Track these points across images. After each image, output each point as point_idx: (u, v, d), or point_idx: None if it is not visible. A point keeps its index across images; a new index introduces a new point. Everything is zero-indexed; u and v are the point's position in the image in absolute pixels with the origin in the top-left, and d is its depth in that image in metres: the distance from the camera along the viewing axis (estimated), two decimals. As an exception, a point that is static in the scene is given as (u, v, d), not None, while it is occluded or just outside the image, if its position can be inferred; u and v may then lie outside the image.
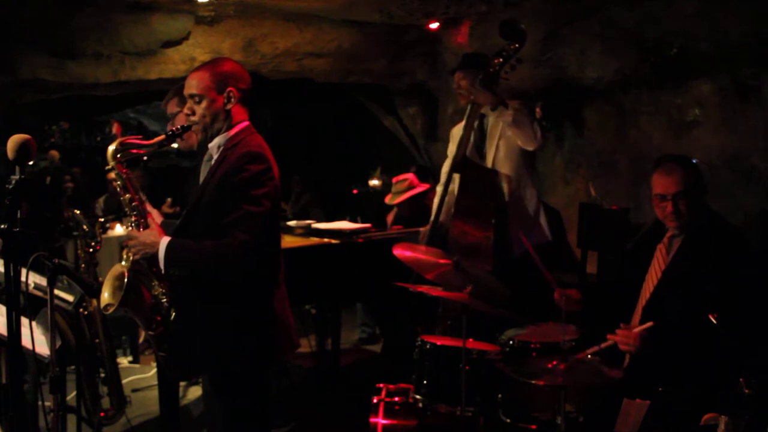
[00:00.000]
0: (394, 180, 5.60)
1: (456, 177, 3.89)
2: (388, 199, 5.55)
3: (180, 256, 2.41)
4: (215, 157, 2.52)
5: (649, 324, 2.59)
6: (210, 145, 2.54)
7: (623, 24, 4.88)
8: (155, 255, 2.42)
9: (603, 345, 2.67)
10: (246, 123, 2.53)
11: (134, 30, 5.73)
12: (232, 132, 2.49)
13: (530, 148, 3.76)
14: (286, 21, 6.12)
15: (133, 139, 2.59)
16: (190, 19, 5.86)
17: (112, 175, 2.56)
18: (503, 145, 3.81)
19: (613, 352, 2.78)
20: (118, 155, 2.51)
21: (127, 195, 2.55)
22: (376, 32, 6.32)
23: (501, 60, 3.68)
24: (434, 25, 6.02)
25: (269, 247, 2.48)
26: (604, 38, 5.10)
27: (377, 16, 5.75)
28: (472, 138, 3.91)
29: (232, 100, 2.48)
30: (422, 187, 5.42)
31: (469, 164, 3.83)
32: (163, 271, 2.45)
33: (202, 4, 5.50)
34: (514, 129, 3.69)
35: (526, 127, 3.65)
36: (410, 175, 5.57)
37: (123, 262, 2.57)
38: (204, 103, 2.46)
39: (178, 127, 2.53)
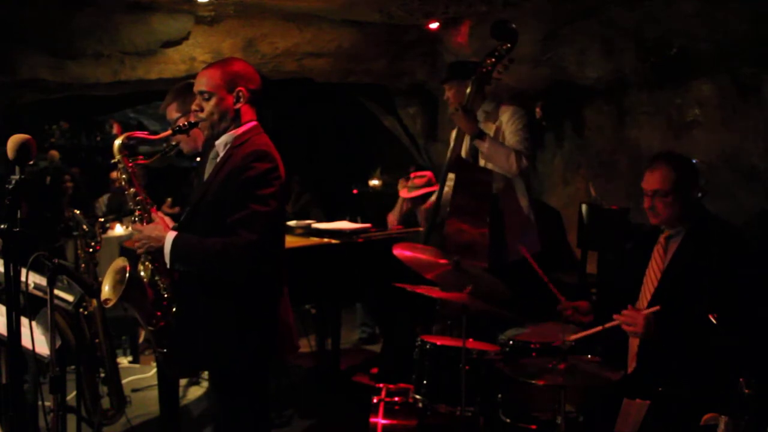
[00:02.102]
0: (412, 175, 5.59)
1: (451, 176, 3.90)
2: (404, 193, 5.53)
3: (186, 252, 2.41)
4: (221, 155, 2.52)
5: (656, 308, 2.59)
6: (217, 143, 2.54)
7: (623, 24, 4.88)
8: (159, 249, 2.43)
9: (607, 325, 2.66)
10: (254, 123, 2.53)
11: (134, 30, 5.73)
12: (240, 131, 2.50)
13: (509, 176, 3.78)
14: (286, 21, 6.13)
15: (140, 134, 2.59)
16: (190, 19, 5.86)
17: (115, 174, 2.57)
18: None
19: (614, 353, 2.78)
20: (124, 149, 2.52)
21: (132, 189, 2.56)
22: (376, 32, 6.32)
23: (493, 60, 3.71)
24: (434, 25, 6.02)
25: (273, 247, 2.48)
26: (604, 38, 5.10)
27: (377, 16, 5.75)
28: (468, 141, 3.93)
29: (241, 99, 2.48)
30: (438, 187, 5.41)
31: (464, 164, 3.85)
32: (168, 266, 2.45)
33: (202, 4, 5.50)
34: (488, 161, 3.73)
35: (501, 161, 3.70)
36: (429, 173, 5.58)
37: (142, 273, 2.57)
38: (213, 101, 2.46)
39: (185, 123, 2.53)
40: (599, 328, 2.68)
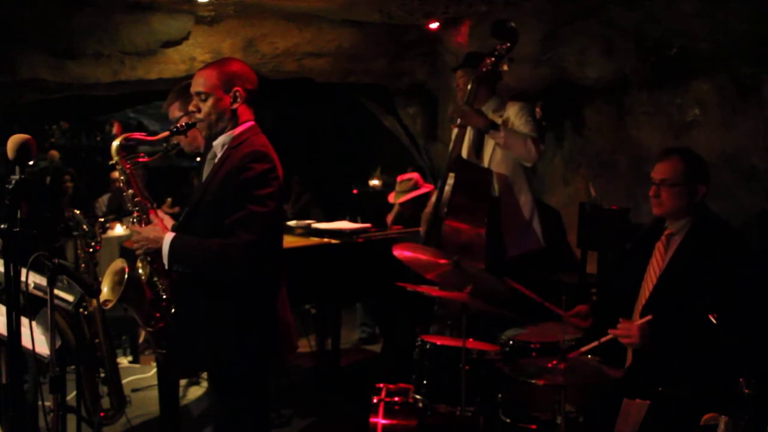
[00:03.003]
0: (398, 179, 5.59)
1: (451, 176, 3.90)
2: (392, 198, 5.54)
3: (184, 253, 2.42)
4: (219, 155, 2.52)
5: (648, 317, 2.60)
6: (214, 144, 2.54)
7: (623, 24, 4.88)
8: (158, 250, 2.43)
9: (603, 339, 2.67)
10: (251, 123, 2.53)
11: (134, 30, 5.73)
12: (237, 131, 2.50)
13: (527, 164, 3.80)
14: (286, 21, 6.13)
15: (138, 135, 2.59)
16: (190, 19, 5.86)
17: (116, 174, 2.57)
18: (499, 148, 3.83)
19: (614, 352, 2.78)
20: (122, 151, 2.52)
21: (130, 191, 2.56)
22: (376, 32, 6.32)
23: (493, 59, 3.71)
24: (434, 25, 6.02)
25: (272, 247, 2.48)
26: (604, 38, 5.10)
27: (377, 16, 5.75)
28: (468, 141, 3.93)
29: (238, 99, 2.48)
30: (427, 188, 5.42)
31: (464, 164, 3.84)
32: (166, 267, 2.45)
33: (202, 4, 5.50)
34: (506, 150, 3.74)
35: (519, 147, 3.70)
36: (415, 175, 5.56)
37: (140, 270, 2.57)
38: (210, 101, 2.46)
39: (183, 123, 2.54)
40: (595, 343, 2.69)
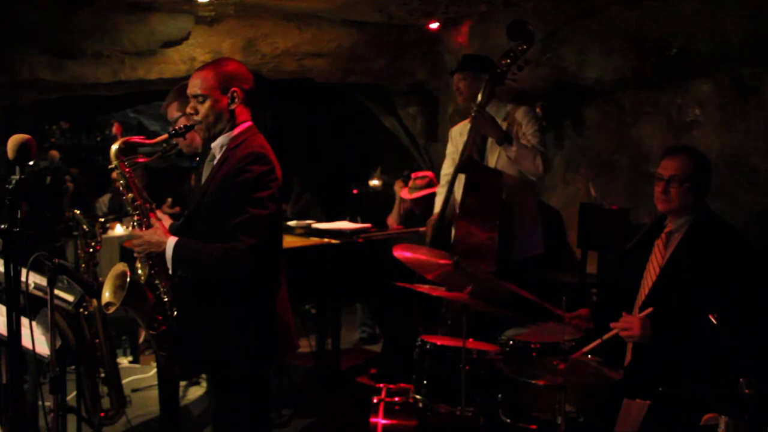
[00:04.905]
0: (413, 175, 5.59)
1: (461, 177, 3.88)
2: (405, 193, 5.52)
3: (187, 257, 2.41)
4: (218, 157, 2.52)
5: (649, 309, 2.60)
6: (213, 145, 2.54)
7: (623, 24, 4.88)
8: (159, 254, 2.43)
9: (605, 336, 2.67)
10: (249, 123, 2.53)
11: (134, 30, 5.73)
12: (235, 132, 2.50)
13: (531, 178, 3.77)
14: (286, 21, 6.13)
15: (137, 138, 2.60)
16: (190, 19, 5.86)
17: (115, 174, 2.57)
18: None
19: (614, 352, 2.78)
20: (121, 154, 2.52)
21: (130, 194, 2.56)
22: (376, 32, 6.33)
23: (509, 61, 3.67)
24: (434, 25, 6.02)
25: (272, 249, 2.48)
26: (604, 38, 5.10)
27: (377, 16, 5.75)
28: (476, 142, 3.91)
29: (236, 100, 2.48)
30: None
31: (474, 165, 3.82)
32: (170, 272, 2.45)
33: (202, 4, 5.50)
34: (516, 163, 3.72)
35: (528, 162, 3.68)
36: (431, 173, 5.57)
37: (139, 271, 2.57)
38: (207, 103, 2.46)
39: (181, 126, 2.54)
40: (598, 341, 2.68)
